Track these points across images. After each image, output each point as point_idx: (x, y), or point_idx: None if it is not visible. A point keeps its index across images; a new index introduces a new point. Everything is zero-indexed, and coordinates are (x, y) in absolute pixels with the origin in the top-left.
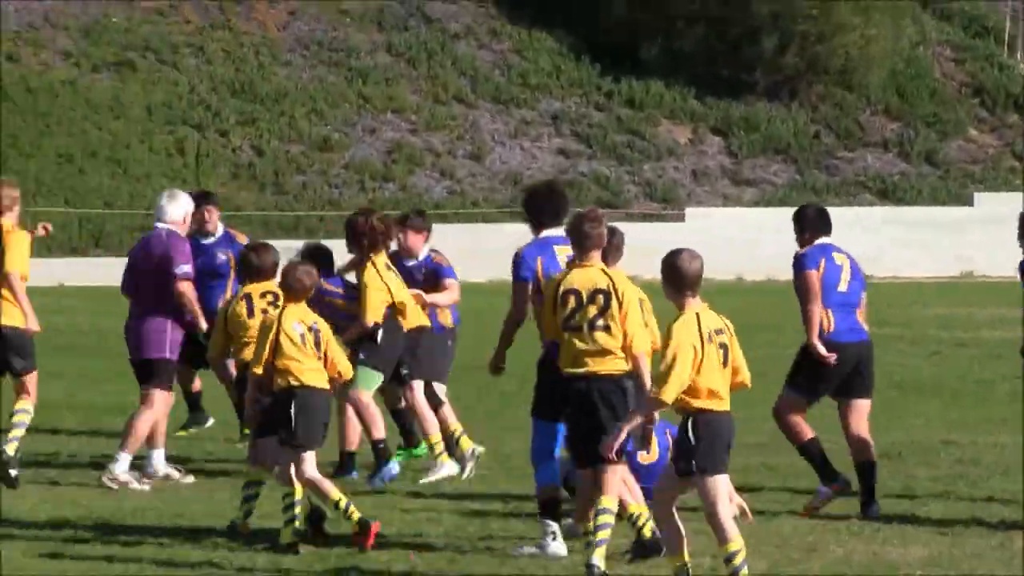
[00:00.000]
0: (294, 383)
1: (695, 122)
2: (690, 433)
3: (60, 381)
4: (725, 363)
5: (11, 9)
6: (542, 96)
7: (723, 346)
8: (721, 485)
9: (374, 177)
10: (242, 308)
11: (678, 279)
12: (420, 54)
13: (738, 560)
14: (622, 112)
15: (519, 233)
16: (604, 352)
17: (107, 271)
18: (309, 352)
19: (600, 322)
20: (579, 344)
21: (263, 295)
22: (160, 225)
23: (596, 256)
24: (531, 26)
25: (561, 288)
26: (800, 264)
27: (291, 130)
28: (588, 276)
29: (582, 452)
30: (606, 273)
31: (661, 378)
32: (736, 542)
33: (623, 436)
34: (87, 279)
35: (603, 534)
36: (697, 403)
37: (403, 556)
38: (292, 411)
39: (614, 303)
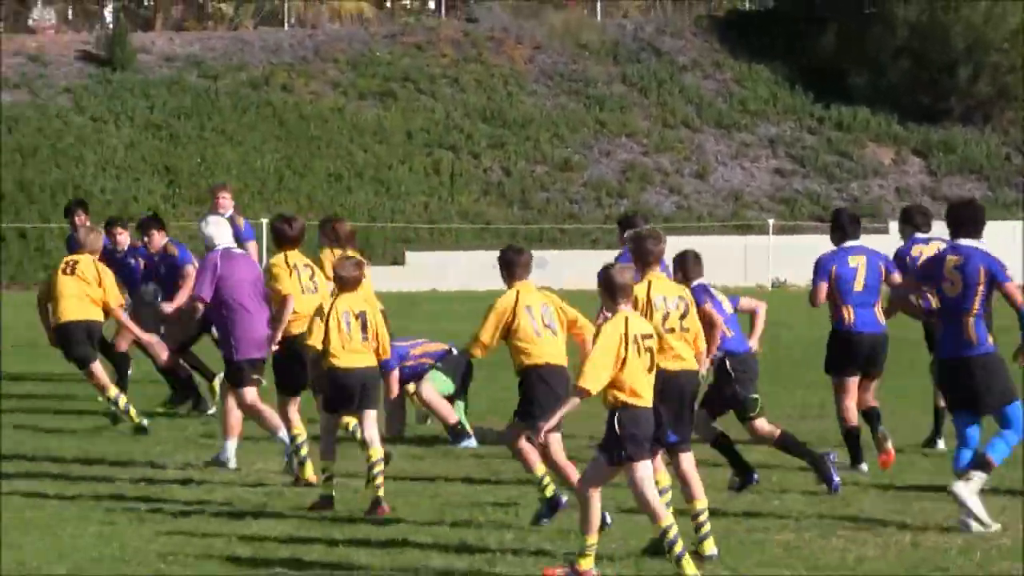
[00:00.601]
0: (335, 363)
1: (898, 144)
2: (616, 425)
3: None
4: (651, 367)
5: (286, 44)
6: (760, 121)
7: (649, 350)
8: (645, 470)
9: (610, 194)
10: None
11: (612, 289)
12: (651, 84)
13: (671, 534)
14: (832, 135)
15: (737, 245)
16: (689, 350)
17: (375, 277)
18: (355, 337)
19: (684, 324)
20: (676, 343)
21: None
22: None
23: (658, 269)
24: (750, 59)
25: (652, 295)
26: (814, 271)
27: (536, 152)
28: (668, 286)
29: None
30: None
31: (583, 370)
32: (667, 519)
33: (556, 420)
34: None
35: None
36: (622, 398)
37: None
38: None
39: (692, 309)
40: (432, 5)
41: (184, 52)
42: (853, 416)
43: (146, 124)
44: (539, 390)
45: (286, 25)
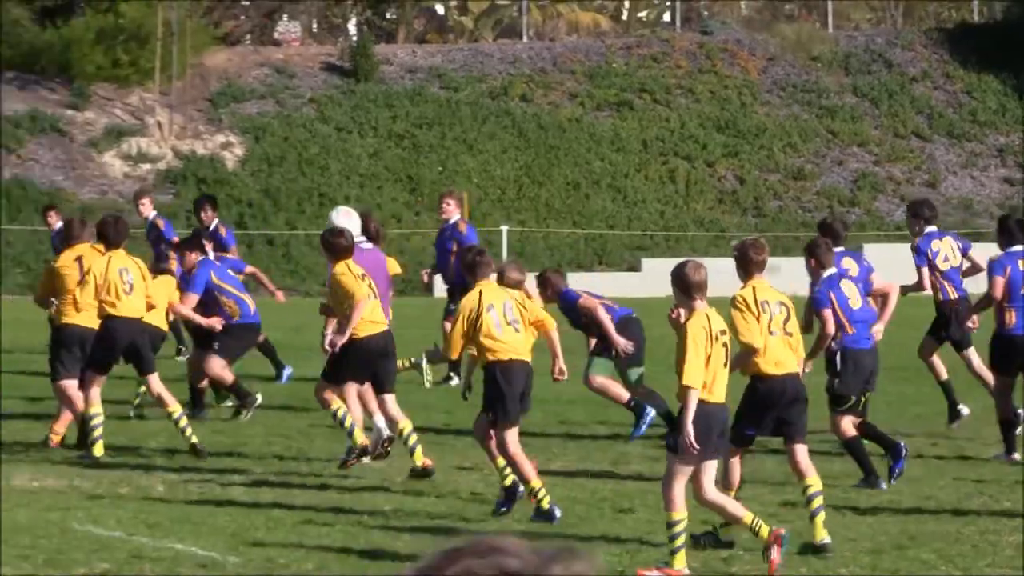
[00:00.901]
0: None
1: None
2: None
3: None
4: (726, 362)
5: (524, 56)
6: (989, 131)
7: (726, 345)
8: (709, 471)
9: (842, 202)
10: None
11: (686, 286)
12: (882, 94)
13: (676, 528)
14: None
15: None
16: (790, 354)
17: (612, 283)
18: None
19: (787, 328)
20: (778, 347)
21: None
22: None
23: (760, 275)
24: (979, 70)
25: (759, 298)
26: (988, 271)
27: (769, 161)
28: (772, 291)
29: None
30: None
31: (683, 370)
32: (681, 513)
33: (690, 428)
34: (591, 290)
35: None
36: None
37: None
38: (500, 383)
39: (793, 314)
40: (667, 18)
41: (426, 64)
42: (1008, 408)
43: (389, 134)
44: (500, 385)
45: (524, 37)
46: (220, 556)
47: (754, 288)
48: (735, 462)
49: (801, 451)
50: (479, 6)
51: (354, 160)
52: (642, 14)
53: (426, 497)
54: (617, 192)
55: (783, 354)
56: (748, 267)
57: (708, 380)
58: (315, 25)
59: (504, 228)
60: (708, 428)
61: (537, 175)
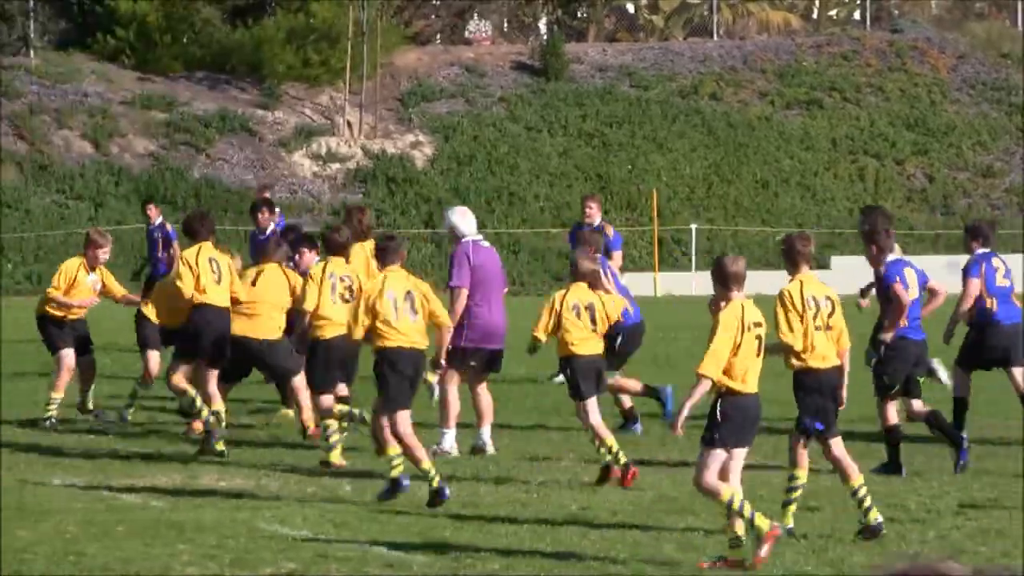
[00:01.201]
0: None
1: None
2: (717, 411)
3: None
4: (759, 352)
5: (715, 54)
6: None
7: (759, 337)
8: (739, 459)
9: None
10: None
11: (724, 277)
12: None
13: (735, 504)
14: None
15: None
16: (832, 348)
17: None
18: (584, 325)
19: (830, 323)
20: (822, 341)
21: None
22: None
23: (807, 268)
24: None
25: (805, 294)
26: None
27: (959, 159)
28: (818, 286)
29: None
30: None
31: (705, 358)
32: (726, 492)
33: (686, 412)
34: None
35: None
36: (728, 384)
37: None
38: (386, 369)
39: (838, 309)
40: (857, 16)
41: (616, 62)
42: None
43: (579, 132)
44: (386, 371)
45: (715, 36)
46: (407, 555)
47: (801, 283)
48: (803, 454)
49: (838, 444)
50: (670, 5)
51: (544, 159)
52: (832, 13)
53: (612, 496)
54: (806, 190)
55: (828, 348)
56: (796, 260)
57: (740, 371)
58: (506, 24)
59: (693, 226)
60: (742, 419)
61: (726, 173)
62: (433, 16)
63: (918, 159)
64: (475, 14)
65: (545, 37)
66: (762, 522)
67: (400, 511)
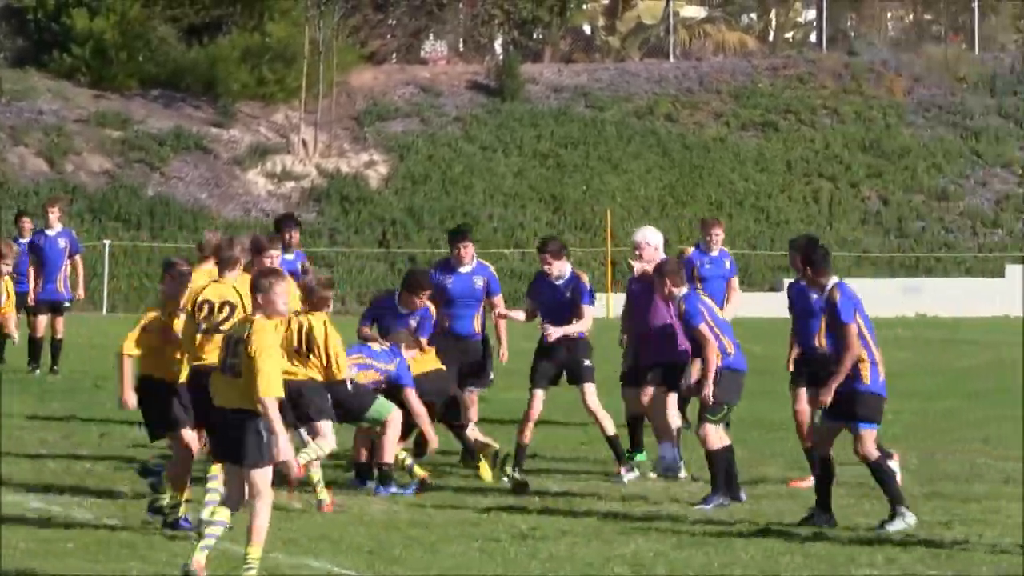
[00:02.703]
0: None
1: None
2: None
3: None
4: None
5: (671, 75)
6: None
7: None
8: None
9: (985, 223)
10: None
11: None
12: None
13: None
14: None
15: None
16: None
17: (752, 304)
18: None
19: None
20: None
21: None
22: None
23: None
24: None
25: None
26: None
27: (913, 182)
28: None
29: None
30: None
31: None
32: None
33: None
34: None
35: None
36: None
37: None
38: None
39: None
40: (814, 38)
41: (571, 83)
42: None
43: (534, 153)
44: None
45: (671, 57)
46: (357, 574)
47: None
48: None
49: None
50: (626, 26)
51: (498, 179)
52: (789, 35)
53: (563, 517)
54: (760, 212)
55: None
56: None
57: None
58: (461, 44)
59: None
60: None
61: (681, 195)
62: (389, 36)
63: (872, 181)
64: (431, 34)
65: (501, 57)
66: None
67: (351, 526)
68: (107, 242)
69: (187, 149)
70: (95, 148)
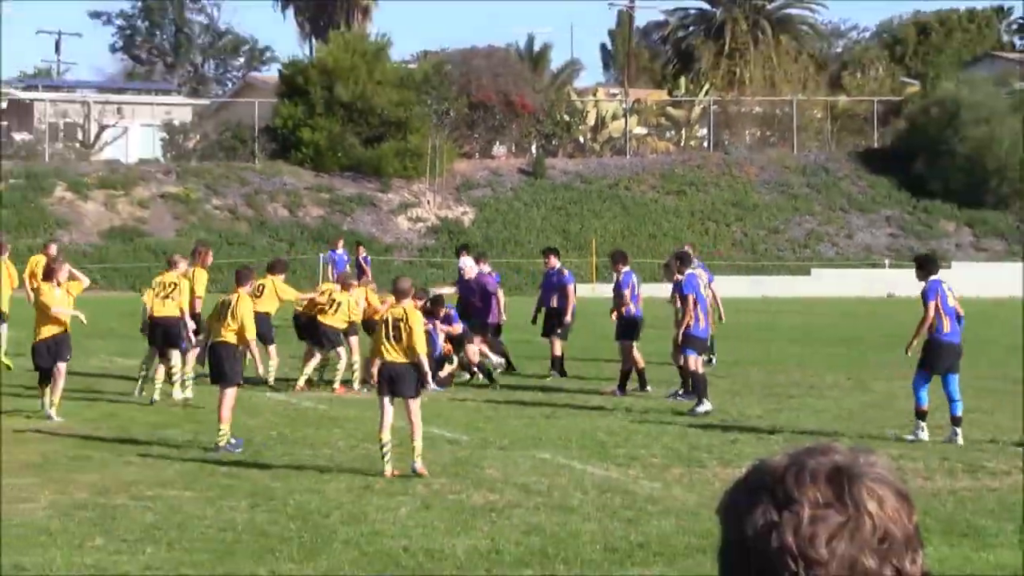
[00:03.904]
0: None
1: None
2: None
3: None
4: None
5: (627, 164)
6: (880, 207)
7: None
8: None
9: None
10: None
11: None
12: (823, 187)
13: None
14: None
15: None
16: None
17: None
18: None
19: None
20: None
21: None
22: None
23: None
24: (877, 173)
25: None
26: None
27: (760, 223)
28: None
29: None
30: None
31: None
32: None
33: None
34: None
35: None
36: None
37: None
38: None
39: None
40: (706, 144)
41: (573, 169)
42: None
43: (553, 207)
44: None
45: (627, 155)
46: (457, 435)
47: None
48: None
49: None
50: (603, 136)
51: (532, 221)
52: (692, 142)
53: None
54: (676, 240)
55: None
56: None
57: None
58: (514, 147)
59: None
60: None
61: (633, 230)
62: (474, 142)
63: (738, 223)
64: (497, 142)
65: (535, 154)
66: None
67: (456, 409)
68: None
69: (364, 204)
70: (313, 203)
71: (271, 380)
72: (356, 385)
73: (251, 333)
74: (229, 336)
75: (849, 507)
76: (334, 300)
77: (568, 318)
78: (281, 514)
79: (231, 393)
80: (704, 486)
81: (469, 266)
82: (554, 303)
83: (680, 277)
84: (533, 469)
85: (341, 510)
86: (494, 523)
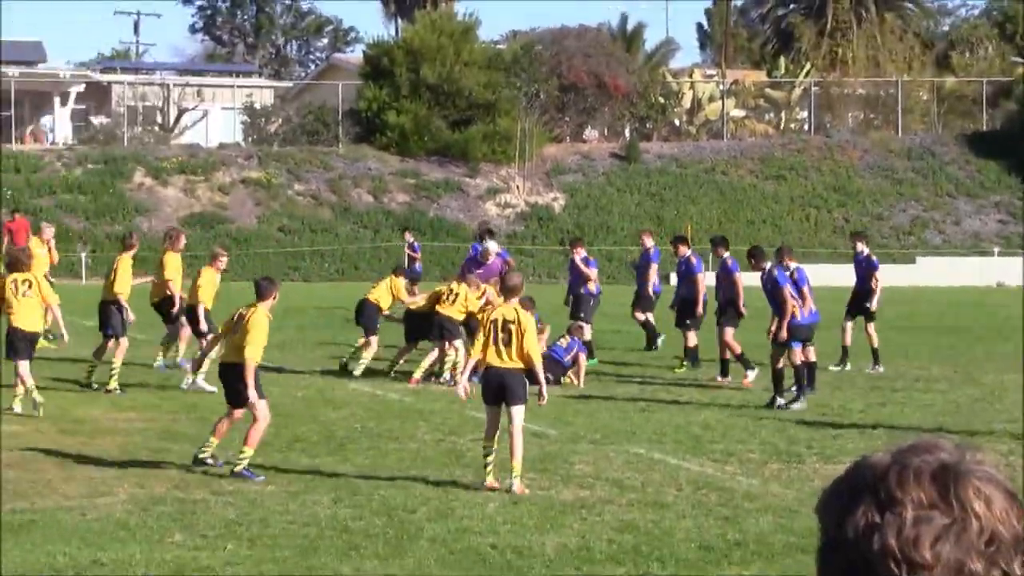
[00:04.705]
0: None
1: None
2: None
3: None
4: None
5: (724, 148)
6: (991, 193)
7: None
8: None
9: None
10: None
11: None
12: (929, 170)
13: None
14: None
15: None
16: None
17: None
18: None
19: None
20: None
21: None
22: None
23: None
24: (986, 157)
25: None
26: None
27: (864, 209)
28: None
29: None
30: None
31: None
32: None
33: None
34: None
35: None
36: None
37: None
38: None
39: None
40: (806, 127)
41: (668, 152)
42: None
43: (646, 192)
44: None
45: (725, 138)
46: (542, 428)
47: None
48: None
49: None
50: (699, 120)
51: (625, 207)
52: (792, 125)
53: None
54: (775, 227)
55: None
56: None
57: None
58: (606, 130)
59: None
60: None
61: (731, 216)
62: (564, 126)
63: (840, 209)
64: (588, 125)
65: (628, 138)
66: None
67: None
68: (407, 239)
69: (451, 190)
70: (399, 189)
71: (358, 372)
72: (447, 375)
73: (252, 351)
74: (239, 357)
75: (955, 508)
76: (452, 290)
77: (699, 309)
78: (365, 509)
79: (262, 416)
80: (803, 483)
81: (494, 250)
82: (682, 292)
83: (769, 268)
84: (626, 464)
85: (427, 506)
86: (585, 520)
